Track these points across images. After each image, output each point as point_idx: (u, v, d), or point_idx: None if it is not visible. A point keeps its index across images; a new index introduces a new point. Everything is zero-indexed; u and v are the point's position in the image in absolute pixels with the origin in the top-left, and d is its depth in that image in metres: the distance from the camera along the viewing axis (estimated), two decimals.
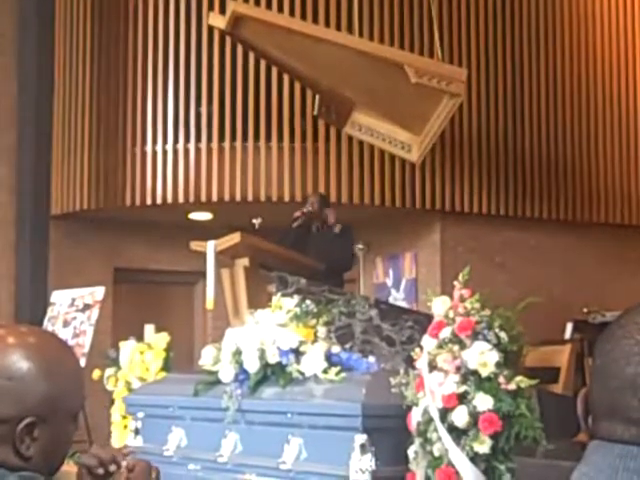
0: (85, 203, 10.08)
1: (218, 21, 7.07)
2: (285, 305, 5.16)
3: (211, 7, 9.32)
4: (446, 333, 4.25)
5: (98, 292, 8.71)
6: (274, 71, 9.25)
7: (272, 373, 4.99)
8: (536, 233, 10.22)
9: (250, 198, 9.48)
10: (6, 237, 10.40)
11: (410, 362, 4.51)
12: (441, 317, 4.32)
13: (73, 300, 8.84)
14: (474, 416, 4.09)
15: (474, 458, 4.08)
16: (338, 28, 9.18)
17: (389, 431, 4.45)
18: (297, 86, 9.24)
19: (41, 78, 10.51)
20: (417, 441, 4.25)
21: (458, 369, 4.16)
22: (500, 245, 10.08)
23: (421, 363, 4.29)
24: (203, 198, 9.56)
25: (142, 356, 6.50)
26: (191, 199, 9.60)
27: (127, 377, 6.52)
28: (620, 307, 4.76)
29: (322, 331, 5.06)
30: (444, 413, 4.14)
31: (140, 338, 6.66)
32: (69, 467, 1.94)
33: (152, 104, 9.82)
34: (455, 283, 4.37)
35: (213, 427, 5.24)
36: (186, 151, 9.68)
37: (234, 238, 6.62)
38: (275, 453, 4.77)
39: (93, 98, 10.10)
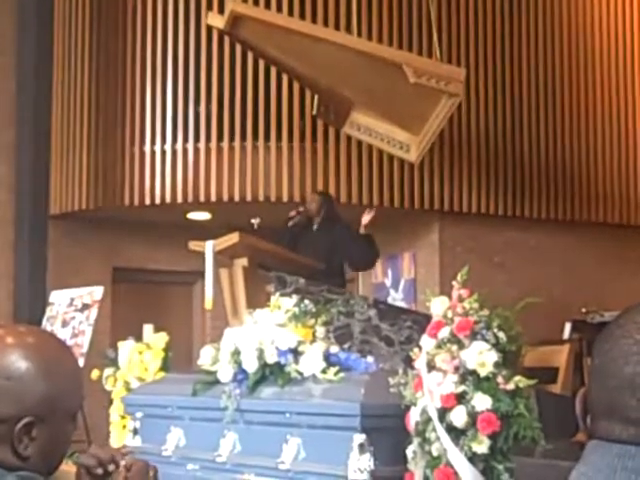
0: (84, 203, 10.08)
1: (217, 21, 7.07)
2: (284, 305, 5.16)
3: (210, 7, 9.32)
4: (445, 333, 4.25)
5: (97, 292, 8.71)
6: (273, 71, 9.25)
7: (271, 373, 4.99)
8: (535, 233, 10.22)
9: (249, 198, 9.48)
10: (5, 236, 10.40)
11: (409, 362, 4.51)
12: (440, 317, 4.32)
13: (72, 300, 8.83)
14: (472, 416, 4.09)
15: (472, 458, 4.08)
16: (337, 28, 9.18)
17: (388, 431, 4.45)
18: (296, 86, 9.23)
19: (40, 77, 10.51)
20: (415, 441, 4.25)
21: (457, 369, 4.16)
22: (499, 245, 10.08)
23: (420, 363, 4.29)
24: (202, 198, 9.56)
25: (141, 356, 6.50)
26: (190, 199, 9.60)
27: (126, 377, 6.52)
28: (619, 307, 4.76)
29: (321, 331, 5.06)
30: (442, 413, 4.14)
31: (139, 338, 6.66)
32: (68, 467, 1.94)
33: (151, 104, 9.81)
34: (454, 283, 4.37)
35: (212, 427, 5.24)
36: (185, 151, 9.68)
37: (233, 238, 6.62)
38: (274, 453, 4.77)
39: (92, 97, 10.10)
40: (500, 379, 4.12)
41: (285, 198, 9.40)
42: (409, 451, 4.28)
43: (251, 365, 5.01)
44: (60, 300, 8.99)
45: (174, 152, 9.70)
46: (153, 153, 9.78)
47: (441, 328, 4.27)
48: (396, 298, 10.25)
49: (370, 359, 5.20)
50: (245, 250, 6.68)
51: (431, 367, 4.22)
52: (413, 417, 4.28)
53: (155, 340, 6.57)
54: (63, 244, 10.44)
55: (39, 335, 1.68)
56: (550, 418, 4.46)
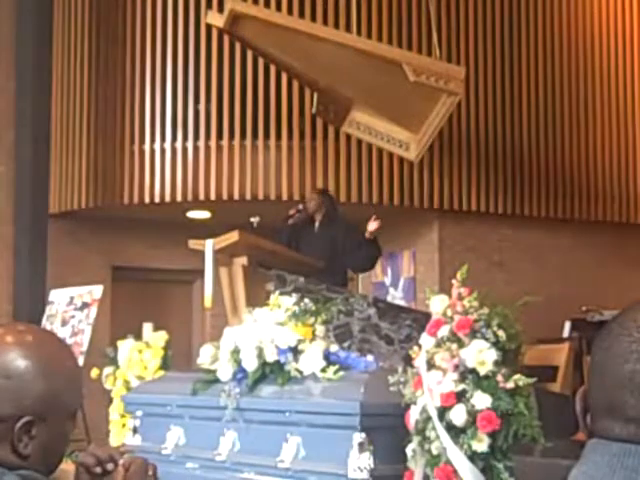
0: (83, 202, 10.08)
1: (216, 19, 7.07)
2: (283, 303, 5.16)
3: (209, 5, 9.31)
4: (444, 331, 4.25)
5: (96, 291, 8.71)
6: (272, 69, 9.25)
7: (270, 372, 4.99)
8: (534, 231, 10.22)
9: (248, 196, 9.48)
10: (4, 235, 10.40)
11: (408, 360, 4.51)
12: (439, 315, 4.32)
13: (71, 299, 8.83)
14: (472, 414, 4.09)
15: (472, 456, 4.08)
16: (336, 26, 9.17)
17: (387, 429, 4.45)
18: (295, 84, 9.23)
19: (39, 77, 10.51)
20: (415, 439, 4.25)
21: (456, 367, 4.16)
22: (498, 243, 10.09)
23: (419, 361, 4.29)
24: (201, 196, 9.56)
25: (140, 355, 6.50)
26: (189, 197, 9.60)
27: (125, 376, 6.52)
28: (618, 305, 4.76)
29: (320, 330, 5.06)
30: (442, 411, 4.14)
31: (138, 336, 6.66)
32: (67, 465, 1.93)
33: (150, 102, 9.81)
34: (453, 281, 4.37)
35: (211, 426, 5.24)
36: (184, 149, 9.68)
37: (232, 236, 6.62)
38: (273, 452, 4.76)
39: (91, 96, 10.10)
40: (500, 377, 4.12)
41: (285, 196, 9.40)
42: (409, 450, 4.28)
43: (251, 364, 5.00)
44: (60, 299, 8.99)
45: (174, 151, 9.70)
46: (153, 152, 9.78)
47: (441, 326, 4.27)
48: (396, 296, 10.25)
49: (370, 358, 5.20)
50: (245, 249, 6.68)
51: (431, 365, 4.22)
52: (413, 416, 4.28)
53: (155, 339, 6.57)
54: (63, 243, 10.44)
55: (38, 334, 1.68)
56: (550, 417, 4.46)
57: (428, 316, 4.49)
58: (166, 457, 5.40)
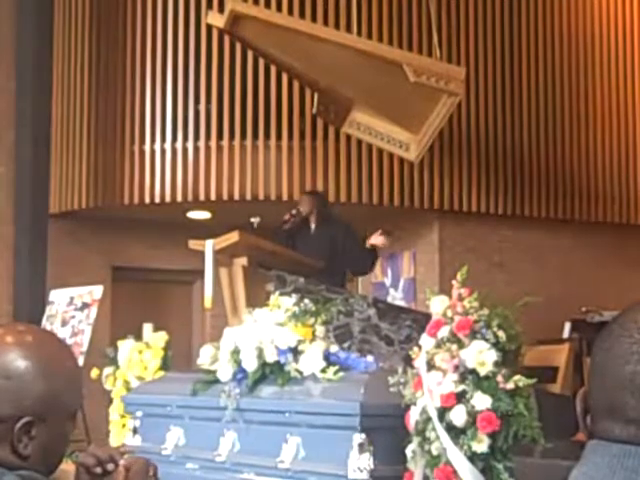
0: (84, 202, 10.08)
1: (217, 20, 7.07)
2: (283, 304, 5.16)
3: (210, 5, 9.31)
4: (444, 332, 4.25)
5: (96, 291, 8.71)
6: (273, 70, 9.25)
7: (270, 372, 4.99)
8: (534, 232, 10.22)
9: (249, 197, 9.48)
10: (5, 236, 10.40)
11: (408, 361, 4.51)
12: (439, 316, 4.32)
13: (71, 299, 8.84)
14: (472, 415, 4.09)
15: (472, 457, 4.08)
16: (337, 27, 9.17)
17: (387, 430, 4.45)
18: (296, 85, 9.23)
19: (40, 77, 10.50)
20: (415, 440, 4.25)
21: (456, 368, 4.16)
22: (498, 244, 10.09)
23: (419, 362, 4.29)
24: (202, 197, 9.56)
25: (140, 355, 6.50)
26: (190, 198, 9.60)
27: (125, 376, 6.52)
28: (618, 306, 4.76)
29: (320, 330, 5.06)
30: (442, 412, 4.14)
31: (138, 337, 6.66)
32: (67, 466, 1.93)
33: (151, 102, 9.81)
34: (453, 282, 4.37)
35: (211, 426, 5.23)
36: (184, 150, 9.68)
37: (233, 237, 6.62)
38: (273, 452, 4.76)
39: (91, 96, 10.10)
40: (500, 378, 4.12)
41: (285, 197, 9.40)
42: (409, 450, 4.28)
43: (251, 364, 5.00)
44: (60, 299, 8.99)
45: (174, 151, 9.70)
46: (153, 152, 9.78)
47: (441, 327, 4.27)
48: (396, 297, 10.25)
49: (370, 358, 5.20)
50: (245, 249, 6.68)
51: (431, 366, 4.22)
52: (413, 416, 4.28)
53: (155, 339, 6.57)
54: (63, 243, 10.44)
55: (38, 334, 1.68)
56: (550, 417, 4.46)
57: (428, 317, 4.49)
58: (166, 458, 5.40)
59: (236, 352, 5.09)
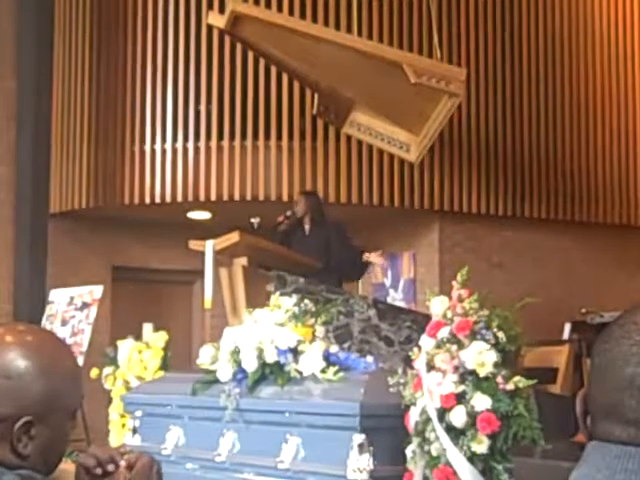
0: (84, 202, 10.08)
1: (217, 20, 7.07)
2: (283, 304, 5.16)
3: (210, 6, 9.32)
4: (444, 333, 4.25)
5: (96, 291, 8.71)
6: (273, 70, 9.25)
7: (270, 372, 4.99)
8: (535, 233, 10.22)
9: (249, 197, 9.48)
10: (5, 236, 10.40)
11: (408, 362, 4.51)
12: (439, 317, 4.32)
13: (71, 299, 8.84)
14: (472, 416, 4.09)
15: (472, 458, 4.08)
16: (337, 28, 9.18)
17: (387, 431, 4.45)
18: (296, 85, 9.23)
19: (40, 77, 10.51)
20: (415, 441, 4.25)
21: (456, 369, 4.16)
22: (498, 245, 10.09)
23: (419, 363, 4.29)
24: (202, 197, 9.56)
25: (140, 355, 6.50)
26: (190, 198, 9.60)
27: (125, 376, 6.52)
28: (618, 308, 4.76)
29: (320, 330, 5.06)
30: (442, 413, 4.14)
31: (138, 337, 6.66)
32: (67, 465, 1.93)
33: (151, 103, 9.82)
34: (453, 283, 4.37)
35: (211, 426, 5.23)
36: (185, 150, 9.68)
37: (233, 237, 6.63)
38: (273, 452, 4.76)
39: (92, 97, 10.10)
40: (500, 379, 4.12)
41: (285, 197, 9.40)
42: (408, 451, 4.28)
43: (251, 364, 5.00)
44: (60, 299, 8.99)
45: (174, 151, 9.70)
46: (153, 152, 9.78)
47: (440, 328, 4.27)
48: (396, 298, 10.25)
49: (370, 359, 5.20)
50: (245, 249, 6.68)
51: (430, 367, 4.22)
52: (412, 417, 4.28)
53: (154, 339, 6.57)
54: (63, 243, 10.45)
55: (38, 334, 1.68)
56: (549, 418, 4.46)
57: (428, 317, 4.49)
58: (166, 457, 5.40)
59: (236, 352, 5.09)
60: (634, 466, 1.16)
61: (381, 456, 4.40)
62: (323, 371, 4.82)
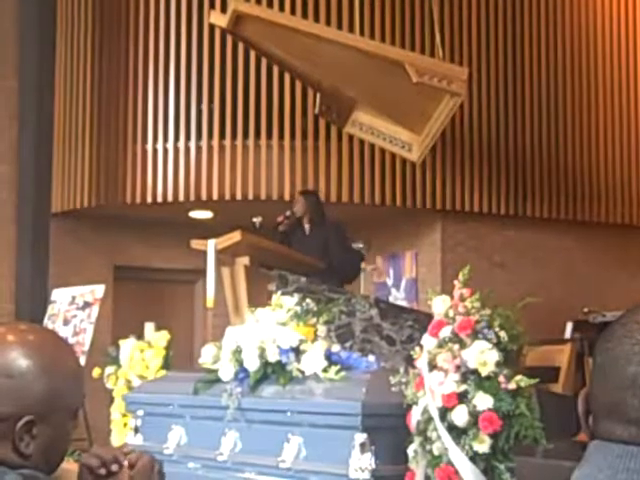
0: (86, 201, 10.09)
1: (219, 19, 7.07)
2: (285, 304, 5.16)
3: (212, 5, 9.32)
4: (446, 332, 4.25)
5: (98, 290, 8.72)
6: (275, 69, 9.25)
7: (272, 372, 4.99)
8: (537, 232, 10.21)
9: (251, 196, 9.48)
10: (7, 235, 10.40)
11: (410, 361, 4.51)
12: (441, 316, 4.32)
13: (73, 298, 8.84)
14: (474, 415, 4.09)
15: (474, 457, 4.08)
16: (339, 27, 9.17)
17: (389, 430, 4.45)
18: (298, 84, 9.23)
19: (42, 76, 10.51)
20: (417, 440, 4.25)
21: (458, 368, 4.16)
22: (500, 244, 10.08)
23: (421, 362, 4.29)
24: (204, 196, 9.56)
25: (142, 354, 6.50)
26: (192, 197, 9.60)
27: (127, 375, 6.52)
28: (620, 307, 4.76)
29: (322, 330, 5.06)
30: (444, 412, 4.14)
31: (140, 336, 6.66)
32: (69, 465, 1.93)
33: (153, 102, 9.82)
34: (455, 282, 4.37)
35: (213, 425, 5.24)
36: (187, 149, 9.68)
37: (234, 236, 6.63)
38: (275, 452, 4.76)
39: (94, 96, 10.11)
40: (501, 378, 4.12)
41: (287, 197, 9.39)
42: (410, 450, 4.28)
43: (252, 364, 5.00)
44: (62, 298, 9.00)
45: (176, 150, 9.70)
46: (155, 151, 9.78)
47: (442, 327, 4.27)
48: (398, 297, 10.25)
49: (371, 358, 5.20)
50: (247, 249, 6.68)
51: (432, 366, 4.22)
52: (414, 416, 4.28)
53: (156, 338, 6.57)
54: (65, 242, 10.45)
55: (40, 333, 1.68)
56: (551, 418, 4.46)
57: (430, 317, 4.49)
58: (168, 457, 5.40)
59: (238, 351, 5.09)
60: (636, 465, 1.15)
61: (383, 455, 4.40)
62: (325, 370, 4.82)
